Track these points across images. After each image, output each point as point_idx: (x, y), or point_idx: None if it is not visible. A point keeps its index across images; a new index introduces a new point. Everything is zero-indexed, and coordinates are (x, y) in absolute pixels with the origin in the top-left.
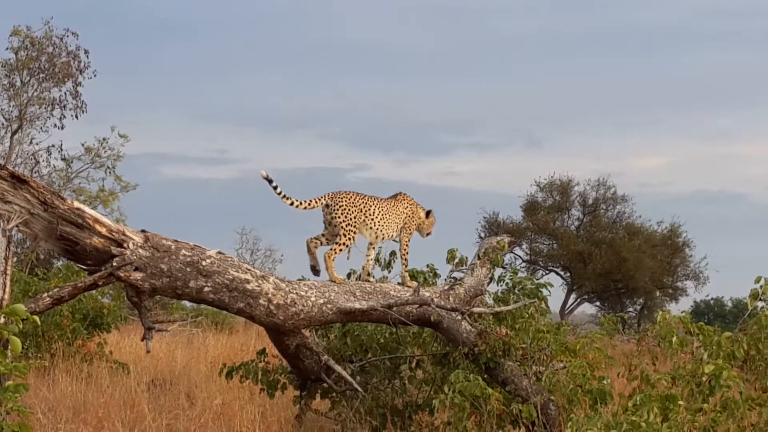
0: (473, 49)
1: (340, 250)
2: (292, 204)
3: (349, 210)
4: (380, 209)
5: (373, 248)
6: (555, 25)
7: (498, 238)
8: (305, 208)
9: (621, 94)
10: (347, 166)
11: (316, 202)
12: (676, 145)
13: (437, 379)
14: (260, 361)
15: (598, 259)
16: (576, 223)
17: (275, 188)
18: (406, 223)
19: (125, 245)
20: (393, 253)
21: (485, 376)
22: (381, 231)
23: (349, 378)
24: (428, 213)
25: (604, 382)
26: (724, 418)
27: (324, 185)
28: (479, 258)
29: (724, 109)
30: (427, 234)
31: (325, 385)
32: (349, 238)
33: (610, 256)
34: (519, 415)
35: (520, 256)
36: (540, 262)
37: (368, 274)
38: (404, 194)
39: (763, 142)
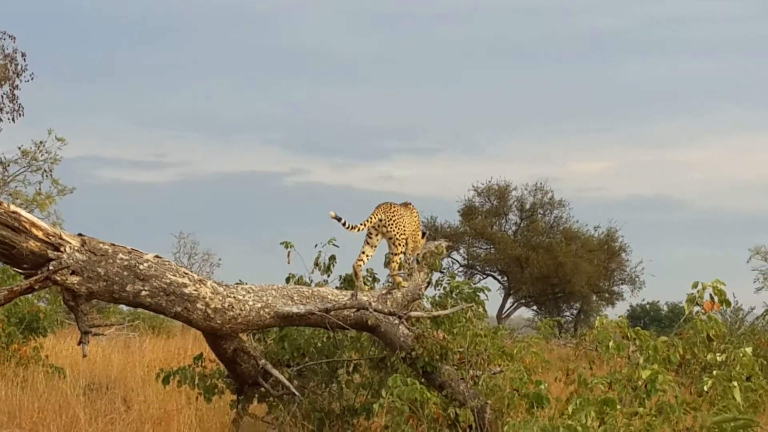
0: (413, 55)
1: (400, 259)
2: (358, 230)
3: (400, 222)
4: (406, 218)
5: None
6: (495, 32)
7: (436, 242)
8: (366, 227)
9: (559, 100)
10: (286, 171)
11: (373, 218)
12: (613, 151)
13: (374, 384)
14: (197, 366)
15: (535, 264)
16: (513, 228)
17: (344, 224)
18: (413, 232)
19: (62, 249)
20: (333, 257)
21: (422, 380)
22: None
23: (287, 382)
24: (423, 234)
25: (541, 386)
26: (660, 421)
27: (263, 189)
28: (417, 262)
29: (661, 116)
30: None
31: (262, 389)
32: (404, 246)
33: (547, 260)
34: (456, 420)
35: (457, 261)
36: (477, 267)
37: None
38: (412, 206)
39: (697, 149)
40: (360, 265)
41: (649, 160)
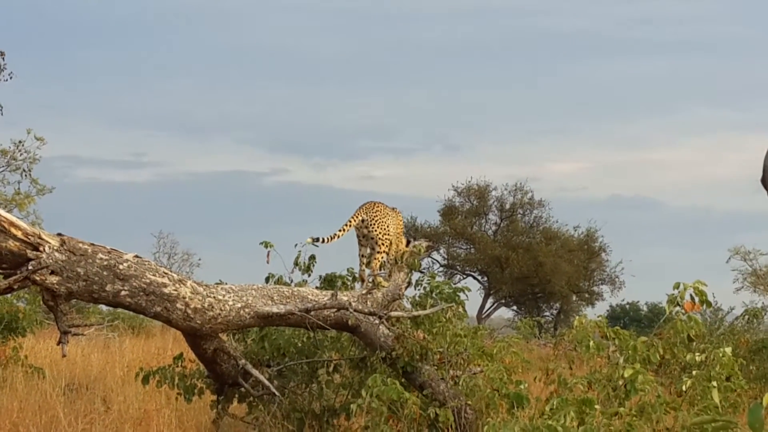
0: (391, 55)
1: (382, 258)
2: (338, 237)
3: (383, 221)
4: (389, 219)
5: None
6: (472, 32)
7: (415, 242)
8: (348, 229)
9: (538, 100)
10: (265, 170)
11: (354, 220)
12: (592, 151)
13: (355, 384)
14: (177, 366)
15: (515, 264)
16: (493, 228)
17: (323, 241)
18: (397, 235)
19: (41, 249)
20: (312, 257)
21: (403, 380)
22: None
23: (267, 382)
24: (408, 242)
25: (521, 386)
26: (641, 422)
27: (243, 189)
28: (397, 262)
29: (639, 116)
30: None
31: (242, 389)
32: (387, 246)
33: (527, 260)
34: (436, 420)
35: (437, 261)
36: (457, 267)
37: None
38: (399, 211)
39: (676, 149)
40: (363, 269)
41: (626, 161)
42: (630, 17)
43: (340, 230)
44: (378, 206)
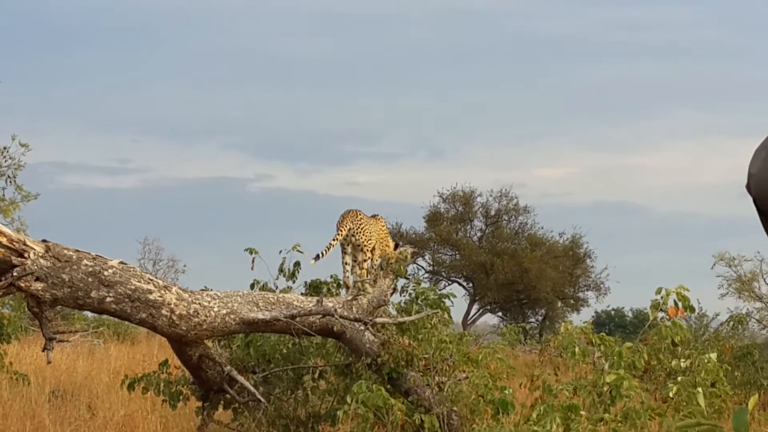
0: (375, 58)
1: (367, 265)
2: (333, 246)
3: (366, 229)
4: (371, 226)
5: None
6: (456, 35)
7: (401, 248)
8: (340, 239)
9: (522, 105)
10: (250, 176)
11: (344, 229)
12: (577, 157)
13: (340, 390)
14: (162, 372)
15: (501, 270)
16: (478, 234)
17: (321, 255)
18: (381, 240)
19: (26, 255)
20: (297, 264)
21: (388, 386)
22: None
23: (252, 389)
24: (396, 245)
25: (506, 392)
26: (626, 428)
27: (228, 195)
28: (382, 269)
29: (623, 121)
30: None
31: (227, 395)
32: (372, 252)
33: (513, 266)
34: (422, 426)
35: (423, 267)
36: (443, 273)
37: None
38: (381, 217)
39: (661, 154)
40: (347, 276)
41: (611, 165)
42: (617, 21)
43: (333, 239)
44: (360, 214)
